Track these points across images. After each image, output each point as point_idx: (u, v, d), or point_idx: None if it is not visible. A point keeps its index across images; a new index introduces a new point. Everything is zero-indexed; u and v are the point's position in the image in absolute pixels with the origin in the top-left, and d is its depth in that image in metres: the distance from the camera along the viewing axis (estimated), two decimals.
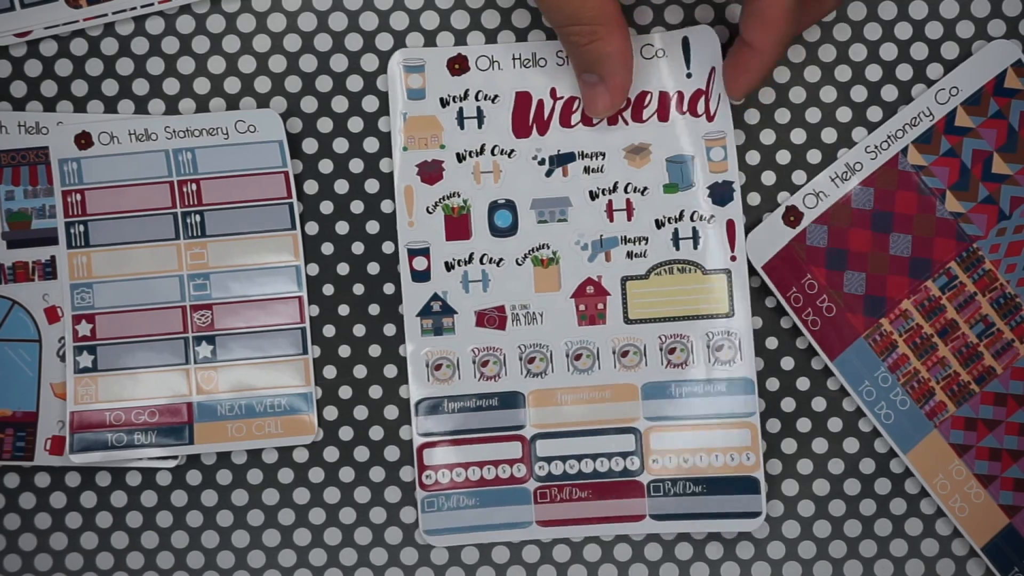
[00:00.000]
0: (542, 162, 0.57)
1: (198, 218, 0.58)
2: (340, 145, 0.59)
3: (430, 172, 0.57)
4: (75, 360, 0.58)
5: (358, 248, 0.59)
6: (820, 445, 0.59)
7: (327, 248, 0.59)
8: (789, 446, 0.59)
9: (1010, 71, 0.57)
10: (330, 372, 0.59)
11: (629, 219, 0.57)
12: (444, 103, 0.57)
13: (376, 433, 0.59)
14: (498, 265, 0.57)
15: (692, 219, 0.57)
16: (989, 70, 0.57)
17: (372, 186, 0.59)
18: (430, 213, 0.57)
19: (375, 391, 0.59)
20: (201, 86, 0.58)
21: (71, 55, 0.58)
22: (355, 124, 0.59)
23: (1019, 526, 0.58)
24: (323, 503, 0.59)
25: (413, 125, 0.57)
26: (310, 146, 0.59)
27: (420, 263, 0.57)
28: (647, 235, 0.57)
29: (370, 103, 0.58)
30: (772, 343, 0.59)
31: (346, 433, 0.59)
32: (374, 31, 0.58)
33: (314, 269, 0.59)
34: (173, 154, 0.58)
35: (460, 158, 0.57)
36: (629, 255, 0.57)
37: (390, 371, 0.59)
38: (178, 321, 0.58)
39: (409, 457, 0.59)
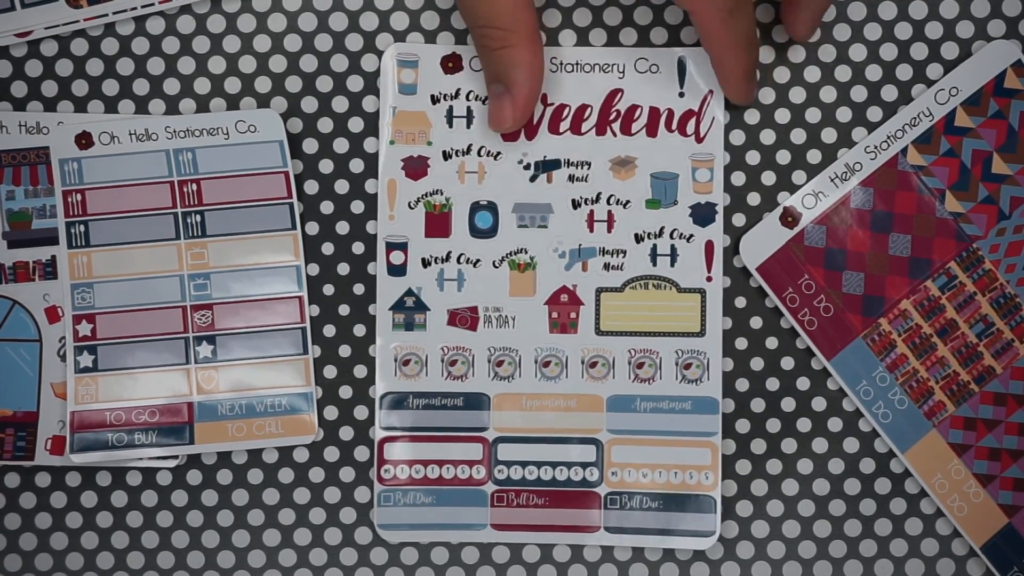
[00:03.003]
0: (527, 167, 0.57)
1: (198, 218, 0.58)
2: (340, 145, 0.59)
3: (415, 168, 0.57)
4: (75, 360, 0.58)
5: (358, 248, 0.59)
6: (820, 445, 0.59)
7: (327, 248, 0.59)
8: (789, 446, 0.59)
9: (1010, 71, 0.57)
10: (330, 372, 0.59)
11: (609, 231, 0.57)
12: (435, 100, 0.57)
13: (376, 434, 0.59)
14: (475, 266, 0.57)
15: (672, 236, 0.57)
16: (989, 70, 0.57)
17: (372, 186, 0.59)
18: (411, 208, 0.57)
19: (375, 391, 0.59)
20: (201, 86, 0.59)
21: (72, 55, 0.58)
22: (355, 124, 0.59)
23: (1018, 526, 0.58)
24: (323, 503, 0.59)
25: (401, 120, 0.57)
26: (310, 146, 0.59)
27: (397, 257, 0.57)
28: (626, 248, 0.57)
29: (370, 103, 0.58)
30: (772, 343, 0.59)
31: (346, 433, 0.59)
32: (374, 31, 0.58)
33: (314, 269, 0.59)
34: (173, 154, 0.58)
35: (446, 156, 0.57)
36: (606, 267, 0.57)
37: None
38: (178, 321, 0.58)
39: None
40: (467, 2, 0.53)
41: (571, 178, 0.57)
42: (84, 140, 0.58)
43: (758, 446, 0.59)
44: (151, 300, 0.58)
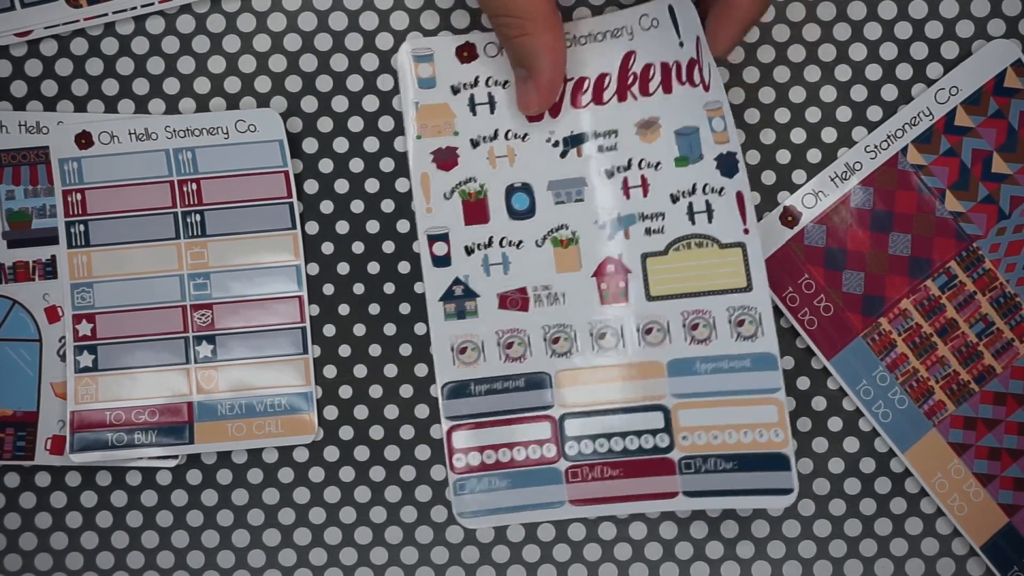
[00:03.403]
0: (556, 144, 0.57)
1: (198, 218, 0.58)
2: (340, 145, 0.59)
3: (445, 159, 0.57)
4: (75, 360, 0.58)
5: (358, 248, 0.59)
6: (820, 444, 0.59)
7: (327, 248, 0.59)
8: None
9: (1010, 71, 0.57)
10: (330, 372, 0.59)
11: (645, 195, 0.56)
12: (455, 91, 0.57)
13: (376, 433, 0.59)
14: (518, 247, 0.57)
15: (704, 192, 0.56)
16: (989, 70, 0.57)
17: (372, 186, 0.59)
18: (447, 199, 0.57)
19: (375, 391, 0.59)
20: (201, 86, 0.59)
21: (71, 55, 0.58)
22: (355, 124, 0.59)
23: (1018, 525, 0.58)
24: (323, 503, 0.59)
25: (425, 114, 0.57)
26: (310, 146, 0.59)
27: (440, 248, 0.57)
28: (664, 210, 0.56)
29: (370, 103, 0.58)
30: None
31: (346, 433, 0.59)
32: (374, 31, 0.58)
33: (314, 269, 0.59)
34: (173, 154, 0.58)
35: (474, 144, 0.57)
36: (648, 231, 0.56)
37: (390, 371, 0.59)
38: (178, 321, 0.58)
39: (409, 457, 0.59)
40: None
41: (600, 148, 0.56)
42: (84, 140, 0.58)
43: None
44: (151, 300, 0.58)
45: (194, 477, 0.59)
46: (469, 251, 0.57)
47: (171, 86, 0.59)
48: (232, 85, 0.59)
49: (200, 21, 0.58)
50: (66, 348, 0.58)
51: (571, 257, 0.57)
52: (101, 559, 0.60)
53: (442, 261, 0.57)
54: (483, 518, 0.57)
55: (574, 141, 0.57)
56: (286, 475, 0.59)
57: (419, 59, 0.57)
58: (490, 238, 0.57)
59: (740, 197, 0.55)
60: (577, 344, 0.57)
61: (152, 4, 0.58)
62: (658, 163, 0.56)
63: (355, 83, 0.58)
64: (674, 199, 0.56)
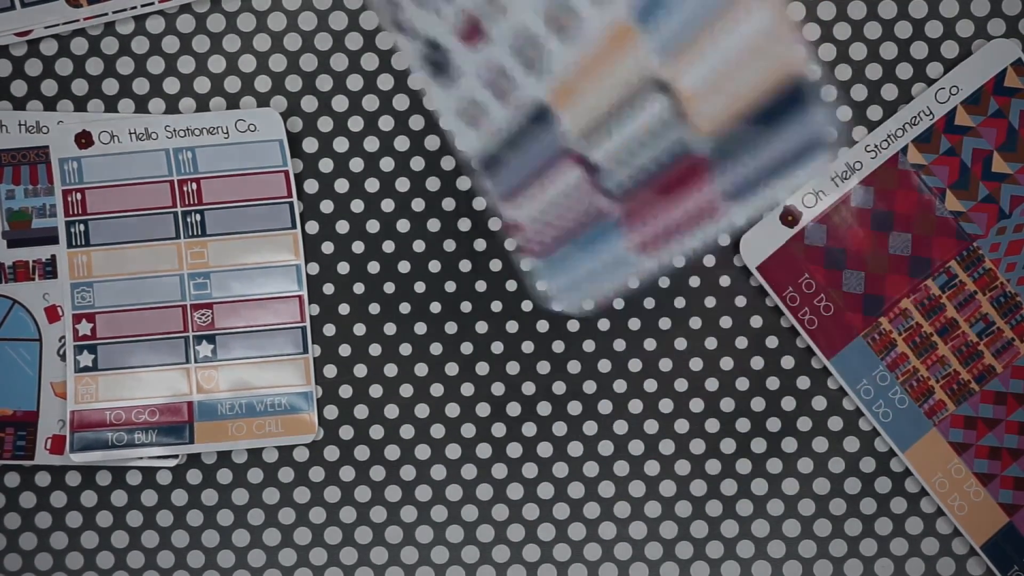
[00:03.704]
0: None
1: (198, 217, 0.58)
2: (340, 145, 0.59)
3: None
4: (75, 359, 0.58)
5: (358, 248, 0.59)
6: (820, 444, 0.59)
7: (327, 247, 0.59)
8: (789, 445, 0.59)
9: (1010, 70, 0.57)
10: (330, 371, 0.59)
11: None
12: None
13: (376, 433, 0.59)
14: None
15: None
16: (989, 69, 0.57)
17: (372, 186, 0.59)
18: None
19: (375, 391, 0.59)
20: (201, 85, 0.59)
21: (71, 54, 0.58)
22: (355, 124, 0.59)
23: (1019, 524, 0.58)
24: (323, 502, 0.59)
25: None
26: (310, 145, 0.59)
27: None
28: None
29: (370, 103, 0.58)
30: (772, 342, 0.59)
31: (346, 433, 0.59)
32: (374, 31, 0.58)
33: (314, 268, 0.59)
34: (173, 153, 0.58)
35: None
36: None
37: (390, 371, 0.59)
38: (178, 320, 0.58)
39: (409, 457, 0.59)
40: None
41: None
42: (84, 139, 0.58)
43: (758, 445, 0.59)
44: (151, 299, 0.58)
45: (194, 477, 0.59)
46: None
47: (171, 86, 0.59)
48: (232, 85, 0.59)
49: (200, 21, 0.58)
50: (66, 348, 0.58)
51: None
52: (101, 559, 0.60)
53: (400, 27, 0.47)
54: (572, 297, 0.49)
55: None
56: (286, 475, 0.59)
57: None
58: None
59: None
60: (543, 48, 0.44)
61: (152, 4, 0.58)
62: None
63: (355, 83, 0.59)
64: None
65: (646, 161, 0.43)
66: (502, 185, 0.47)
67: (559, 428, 0.59)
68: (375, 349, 0.59)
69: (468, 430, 0.59)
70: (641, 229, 0.45)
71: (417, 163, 0.59)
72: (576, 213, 0.46)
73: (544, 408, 0.59)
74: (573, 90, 0.44)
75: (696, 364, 0.59)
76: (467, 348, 0.59)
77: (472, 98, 0.46)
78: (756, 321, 0.58)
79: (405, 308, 0.59)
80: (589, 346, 0.59)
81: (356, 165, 0.59)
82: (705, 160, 0.42)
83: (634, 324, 0.59)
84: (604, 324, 0.59)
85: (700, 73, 0.41)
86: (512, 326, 0.59)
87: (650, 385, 0.59)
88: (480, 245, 0.59)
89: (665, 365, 0.59)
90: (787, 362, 0.59)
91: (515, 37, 0.44)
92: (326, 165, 0.59)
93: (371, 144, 0.59)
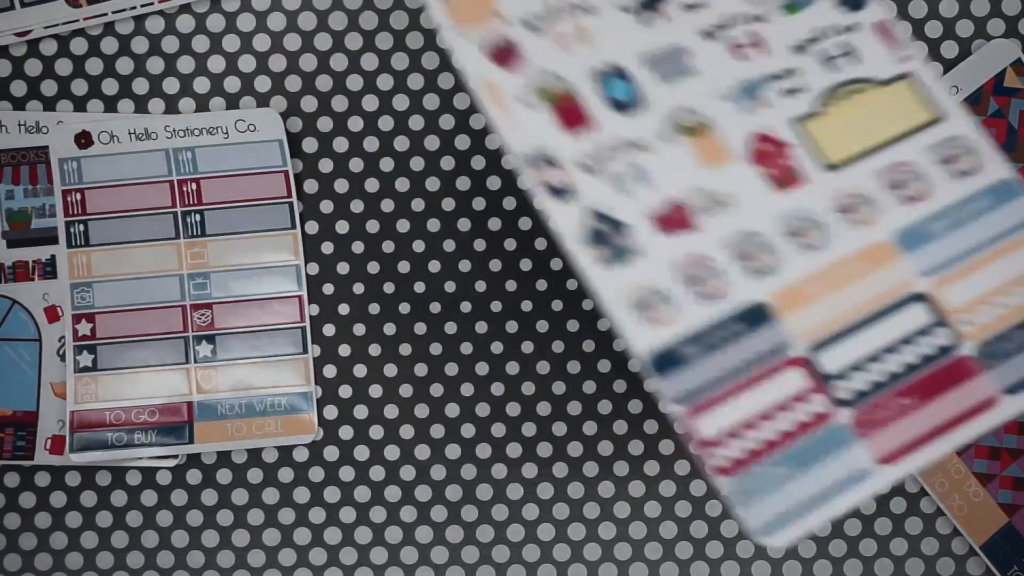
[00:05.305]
0: (628, 10, 0.45)
1: (198, 217, 0.58)
2: (340, 145, 0.59)
3: (505, 55, 0.45)
4: (75, 359, 0.58)
5: (358, 248, 0.59)
6: None
7: (327, 248, 0.59)
8: None
9: (1009, 70, 0.57)
10: (330, 372, 0.59)
11: (762, 53, 0.46)
12: None
13: (376, 433, 0.59)
14: (644, 149, 0.44)
15: (834, 35, 0.46)
16: (989, 69, 0.57)
17: (372, 186, 0.59)
18: (530, 108, 0.44)
19: (375, 391, 0.59)
20: (201, 85, 0.59)
21: (71, 54, 0.59)
22: (355, 124, 0.59)
23: (1018, 524, 0.58)
24: (323, 503, 0.59)
25: (456, 2, 0.45)
26: (310, 145, 0.59)
27: (553, 175, 0.44)
28: (794, 65, 0.46)
29: (370, 103, 0.58)
30: None
31: (346, 433, 0.59)
32: (374, 31, 0.58)
33: (314, 268, 0.59)
34: (173, 153, 0.58)
35: (531, 28, 0.45)
36: (786, 92, 0.46)
37: (390, 371, 0.59)
38: (178, 320, 0.58)
39: (409, 457, 0.59)
40: None
41: (688, 7, 0.46)
42: (84, 139, 0.58)
43: None
44: (151, 299, 0.58)
45: (194, 477, 0.59)
46: (588, 168, 0.44)
47: (171, 86, 0.59)
48: (232, 85, 0.59)
49: (200, 21, 0.58)
50: (66, 348, 0.58)
51: (712, 145, 0.45)
52: (101, 559, 0.60)
53: (561, 193, 0.44)
54: (786, 530, 0.42)
55: (650, 1, 0.46)
56: (286, 475, 0.59)
57: None
58: (606, 145, 0.44)
59: (883, 27, 0.46)
60: (775, 252, 0.44)
61: (152, 4, 0.58)
62: (757, 16, 0.46)
63: (355, 83, 0.59)
64: (800, 49, 0.46)
65: (894, 367, 0.43)
66: (684, 386, 0.43)
67: (559, 428, 0.59)
68: (375, 349, 0.59)
69: (468, 430, 0.59)
70: (884, 436, 0.43)
71: (417, 163, 0.59)
72: (793, 423, 0.43)
73: (544, 408, 0.59)
74: (805, 296, 0.44)
75: None
76: (467, 348, 0.59)
77: (654, 287, 0.44)
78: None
79: (405, 308, 0.59)
80: (588, 346, 0.59)
81: (356, 165, 0.59)
82: (971, 361, 0.43)
83: None
84: (604, 324, 0.59)
85: (970, 290, 0.44)
86: (512, 326, 0.59)
87: (649, 385, 0.59)
88: (480, 245, 0.59)
89: None
90: None
91: (738, 237, 0.44)
92: (326, 165, 0.59)
93: (371, 144, 0.59)
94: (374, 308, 0.59)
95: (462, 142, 0.59)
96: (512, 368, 0.59)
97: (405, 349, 0.59)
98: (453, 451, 0.59)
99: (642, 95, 0.45)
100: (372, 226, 0.59)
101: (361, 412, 0.59)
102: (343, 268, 0.59)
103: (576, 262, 0.45)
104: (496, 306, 0.59)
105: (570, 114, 0.45)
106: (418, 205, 0.59)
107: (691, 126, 0.45)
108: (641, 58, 0.45)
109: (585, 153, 0.44)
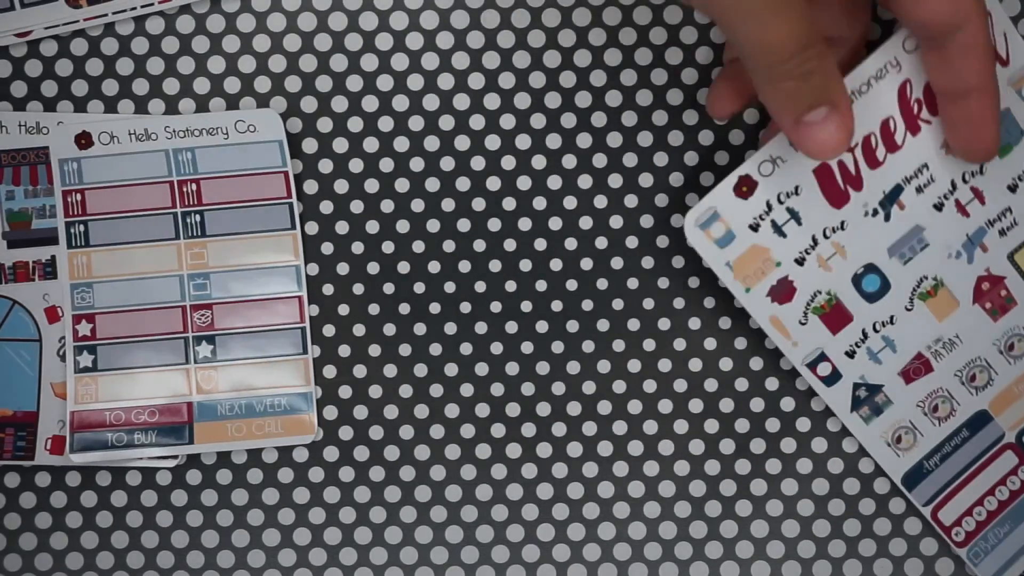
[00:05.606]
0: (875, 212, 0.53)
1: (198, 218, 0.58)
2: (340, 145, 0.59)
3: (782, 292, 0.54)
4: (75, 360, 0.58)
5: (358, 248, 0.59)
6: (819, 445, 0.59)
7: (327, 248, 0.59)
8: (788, 445, 0.59)
9: None
10: (330, 372, 0.59)
11: (983, 203, 0.53)
12: (755, 228, 0.53)
13: (376, 433, 0.59)
14: (892, 323, 0.54)
15: None
16: None
17: (372, 186, 0.59)
18: (804, 324, 0.54)
19: (375, 391, 0.59)
20: (201, 86, 0.59)
21: (71, 55, 0.59)
22: (355, 124, 0.59)
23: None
24: (323, 503, 0.59)
25: (741, 267, 0.53)
26: (310, 146, 0.59)
27: (824, 368, 0.55)
28: (1007, 205, 0.53)
29: (370, 103, 0.58)
30: (771, 343, 0.59)
31: (346, 433, 0.59)
32: (374, 31, 0.58)
33: (314, 269, 0.59)
34: (173, 154, 0.58)
35: (800, 262, 0.53)
36: (1001, 232, 0.53)
37: (390, 371, 0.59)
38: (178, 321, 0.58)
39: (409, 457, 0.59)
40: (772, 35, 0.44)
41: (919, 190, 0.53)
42: (84, 140, 0.58)
43: (757, 446, 0.59)
44: (151, 300, 0.58)
45: (194, 477, 0.59)
46: (851, 355, 0.55)
47: (171, 86, 0.59)
48: (232, 85, 0.59)
49: (200, 21, 0.58)
50: (66, 348, 0.58)
51: (945, 301, 0.54)
52: (101, 559, 0.60)
53: (832, 379, 0.55)
54: (1012, 569, 0.57)
55: (891, 199, 0.53)
56: (286, 475, 0.59)
57: (705, 224, 0.53)
58: (863, 331, 0.54)
59: None
60: (994, 371, 0.55)
61: (152, 4, 0.58)
62: (979, 169, 0.53)
63: (355, 83, 0.59)
64: (1013, 188, 0.53)
65: None
66: (929, 493, 0.57)
67: (558, 429, 0.59)
68: (375, 350, 0.59)
69: (467, 431, 0.59)
70: None
71: (417, 164, 0.59)
72: (1009, 492, 0.56)
73: (543, 409, 0.59)
74: (1014, 395, 0.56)
75: (695, 365, 0.59)
76: (467, 349, 0.59)
77: (903, 424, 0.56)
78: (755, 322, 0.58)
79: (405, 309, 0.59)
80: (588, 347, 0.59)
81: (356, 166, 0.59)
82: None
83: (633, 325, 0.59)
84: (604, 325, 0.59)
85: None
86: (512, 326, 0.59)
87: (649, 386, 0.59)
88: (480, 246, 0.59)
89: (664, 366, 0.59)
90: (786, 363, 0.59)
91: (966, 366, 0.55)
92: (326, 166, 0.59)
93: (371, 145, 0.59)
94: (374, 309, 0.59)
95: (462, 143, 0.59)
96: (512, 368, 0.59)
97: (405, 350, 0.59)
98: (453, 451, 0.59)
99: (889, 281, 0.54)
100: (372, 227, 0.59)
101: (361, 412, 0.59)
102: (343, 268, 0.59)
103: (846, 425, 0.56)
104: (496, 306, 0.59)
105: (835, 318, 0.54)
106: (418, 205, 0.59)
107: (927, 290, 0.54)
108: (887, 250, 0.53)
109: (848, 342, 0.54)
